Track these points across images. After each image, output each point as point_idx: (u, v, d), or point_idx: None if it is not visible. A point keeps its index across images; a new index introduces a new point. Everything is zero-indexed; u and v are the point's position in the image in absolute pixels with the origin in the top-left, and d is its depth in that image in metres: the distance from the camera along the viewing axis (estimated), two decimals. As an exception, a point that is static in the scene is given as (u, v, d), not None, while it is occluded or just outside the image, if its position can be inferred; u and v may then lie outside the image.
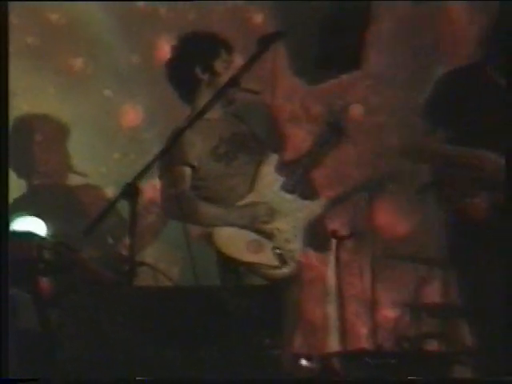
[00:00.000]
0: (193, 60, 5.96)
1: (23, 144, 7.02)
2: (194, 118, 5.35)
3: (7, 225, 4.25)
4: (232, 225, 5.73)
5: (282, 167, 6.04)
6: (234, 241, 5.72)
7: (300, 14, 7.56)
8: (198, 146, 5.79)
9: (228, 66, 5.93)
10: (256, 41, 5.52)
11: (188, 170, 5.80)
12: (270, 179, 5.92)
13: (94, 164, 7.43)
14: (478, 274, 5.71)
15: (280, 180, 5.92)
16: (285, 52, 7.17)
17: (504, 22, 5.91)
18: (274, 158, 5.99)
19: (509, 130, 5.64)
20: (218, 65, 5.94)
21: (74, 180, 7.01)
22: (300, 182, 6.01)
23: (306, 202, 5.97)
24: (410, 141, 6.04)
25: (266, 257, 5.67)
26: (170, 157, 5.43)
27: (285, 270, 5.64)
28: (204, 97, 5.77)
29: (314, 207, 6.01)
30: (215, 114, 5.90)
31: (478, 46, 6.04)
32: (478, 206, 5.70)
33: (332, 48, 7.12)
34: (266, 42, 5.41)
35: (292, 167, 6.04)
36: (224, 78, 5.74)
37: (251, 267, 5.64)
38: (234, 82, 5.57)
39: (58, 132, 7.21)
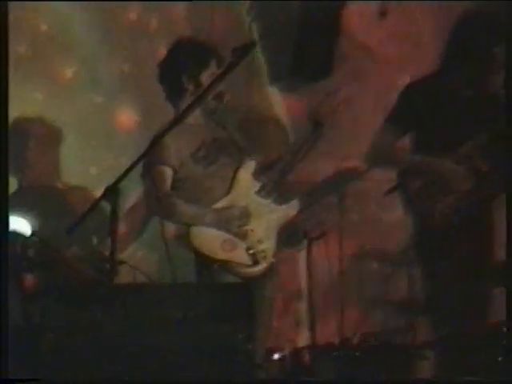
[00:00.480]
0: (181, 68, 5.91)
1: (17, 145, 6.83)
2: (173, 124, 5.23)
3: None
4: (208, 225, 5.67)
5: (259, 173, 6.00)
6: (210, 240, 5.67)
7: (275, 21, 7.52)
8: (179, 148, 5.73)
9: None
10: (231, 50, 5.56)
11: (169, 171, 5.72)
12: (247, 184, 5.89)
13: (85, 166, 7.32)
14: (441, 272, 5.73)
15: (256, 185, 5.91)
16: (261, 60, 7.04)
17: (465, 32, 5.90)
18: (251, 164, 5.94)
19: (470, 138, 5.81)
20: (205, 76, 5.86)
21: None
22: (275, 188, 6.01)
23: (280, 207, 5.96)
24: (377, 147, 5.98)
25: (239, 256, 5.64)
26: (152, 157, 5.43)
27: (256, 269, 5.63)
28: (187, 104, 5.61)
29: (287, 211, 5.97)
30: (198, 119, 5.89)
31: (441, 57, 6.00)
32: (441, 209, 5.70)
33: (304, 56, 6.99)
34: (241, 52, 5.27)
35: (268, 173, 6.03)
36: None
37: (225, 265, 5.61)
38: (217, 95, 5.82)
39: (52, 136, 7.18)
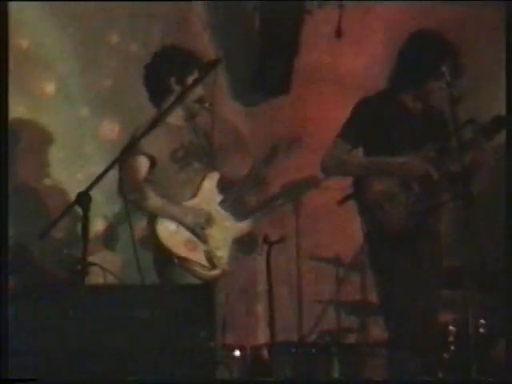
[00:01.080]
0: (170, 70, 5.88)
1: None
2: (153, 122, 5.28)
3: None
4: (174, 218, 5.71)
5: (222, 186, 5.99)
6: (174, 236, 5.67)
7: (236, 38, 7.48)
8: (160, 144, 5.73)
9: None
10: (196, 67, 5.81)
11: (146, 162, 5.74)
12: (210, 193, 5.89)
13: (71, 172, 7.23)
14: (393, 276, 5.66)
15: (218, 197, 5.92)
16: (224, 77, 7.03)
17: (413, 51, 5.87)
18: (215, 176, 5.94)
19: (419, 149, 5.81)
20: (190, 80, 5.82)
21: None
22: (234, 204, 6.03)
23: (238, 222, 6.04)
24: (331, 157, 5.85)
25: (198, 257, 5.66)
26: (133, 148, 5.38)
27: (213, 273, 5.67)
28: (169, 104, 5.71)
29: (244, 225, 6.03)
30: (179, 121, 5.91)
31: (392, 74, 5.99)
32: (393, 215, 5.64)
33: (264, 72, 7.01)
34: (206, 68, 5.42)
35: (229, 190, 6.03)
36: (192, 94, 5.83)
37: (185, 263, 5.61)
38: (199, 99, 5.87)
39: (42, 139, 7.12)
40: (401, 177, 5.74)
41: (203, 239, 5.74)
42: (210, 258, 5.70)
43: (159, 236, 5.67)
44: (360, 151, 5.96)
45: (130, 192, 5.69)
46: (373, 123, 5.84)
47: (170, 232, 5.72)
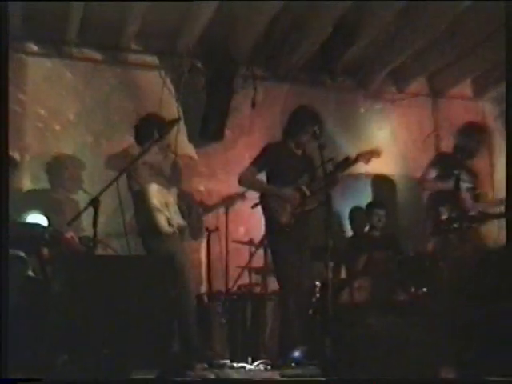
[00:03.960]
0: (154, 127, 5.66)
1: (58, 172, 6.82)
2: (139, 156, 5.34)
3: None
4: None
5: (182, 200, 5.93)
6: (157, 195, 5.50)
7: (191, 104, 7.34)
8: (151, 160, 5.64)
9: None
10: (158, 125, 5.67)
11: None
12: (173, 202, 5.73)
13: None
14: (282, 252, 5.78)
15: (177, 209, 5.77)
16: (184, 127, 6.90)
17: (297, 116, 6.04)
18: (174, 190, 5.82)
19: (300, 177, 5.95)
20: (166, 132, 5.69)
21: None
22: (191, 223, 5.99)
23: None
24: (244, 175, 5.95)
25: (168, 217, 5.55)
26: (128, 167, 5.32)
27: (171, 230, 5.53)
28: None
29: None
30: (157, 154, 5.76)
31: (284, 131, 6.12)
32: (282, 215, 5.76)
33: (206, 128, 7.00)
34: (168, 125, 5.58)
35: (188, 209, 5.99)
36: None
37: (158, 212, 5.49)
38: (168, 144, 5.78)
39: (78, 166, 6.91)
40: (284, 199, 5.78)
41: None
42: (169, 220, 5.53)
43: (147, 195, 5.49)
44: (264, 176, 6.03)
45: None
46: (272, 159, 5.94)
47: (154, 192, 5.52)
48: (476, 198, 6.40)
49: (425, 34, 7.30)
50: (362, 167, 6.18)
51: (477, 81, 8.58)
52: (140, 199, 5.60)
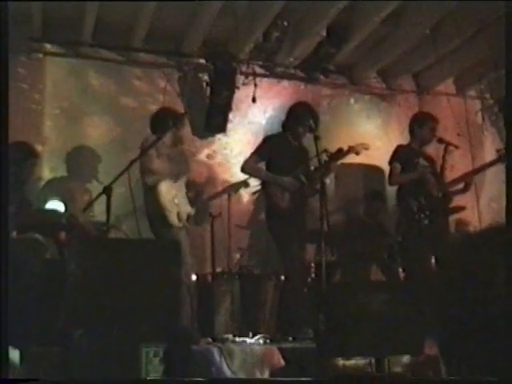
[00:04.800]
0: (170, 120, 5.54)
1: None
2: (152, 144, 5.22)
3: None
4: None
5: (189, 188, 5.91)
6: (167, 194, 5.47)
7: (195, 101, 7.36)
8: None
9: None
10: (173, 117, 5.60)
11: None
12: (182, 192, 5.72)
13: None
14: (281, 233, 5.81)
15: (185, 197, 5.76)
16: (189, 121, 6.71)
17: (294, 111, 6.09)
18: (183, 179, 5.78)
19: (297, 167, 5.95)
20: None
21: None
22: (198, 210, 5.95)
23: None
24: (246, 163, 6.04)
25: (178, 211, 5.53)
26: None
27: (180, 225, 5.52)
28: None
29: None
30: (168, 145, 5.69)
31: (283, 124, 6.17)
32: (282, 201, 5.80)
33: (210, 120, 6.95)
34: (177, 119, 5.57)
35: (195, 197, 6.00)
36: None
37: (167, 212, 5.45)
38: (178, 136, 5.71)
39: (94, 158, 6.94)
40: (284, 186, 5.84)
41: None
42: (179, 216, 5.51)
43: (158, 193, 5.44)
44: (263, 165, 6.08)
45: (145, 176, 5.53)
46: (271, 149, 5.99)
47: (164, 190, 5.45)
48: (438, 181, 6.38)
49: (411, 35, 7.38)
50: (356, 158, 6.17)
51: (459, 79, 8.60)
52: (151, 196, 5.54)
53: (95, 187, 6.15)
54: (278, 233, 5.90)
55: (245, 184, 6.73)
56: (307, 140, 6.01)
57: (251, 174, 6.27)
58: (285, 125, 6.18)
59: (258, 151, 6.07)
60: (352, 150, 5.97)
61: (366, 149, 6.04)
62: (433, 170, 6.34)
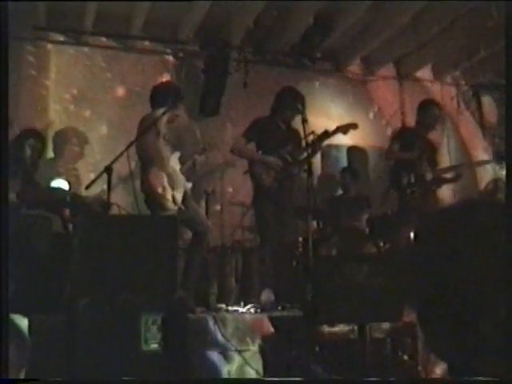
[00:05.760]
0: (171, 93, 5.54)
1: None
2: (152, 122, 5.20)
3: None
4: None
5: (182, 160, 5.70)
6: (156, 180, 5.32)
7: (191, 86, 7.33)
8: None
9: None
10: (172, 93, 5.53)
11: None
12: (175, 164, 5.51)
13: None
14: (265, 211, 5.79)
15: (178, 166, 5.55)
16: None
17: (282, 95, 6.04)
18: (178, 154, 5.58)
19: (284, 146, 5.89)
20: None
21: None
22: (189, 172, 5.81)
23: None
24: (236, 148, 6.02)
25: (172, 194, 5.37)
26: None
27: (175, 207, 5.36)
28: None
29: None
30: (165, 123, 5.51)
31: (272, 108, 6.09)
32: (267, 180, 5.78)
33: (204, 104, 6.89)
34: (173, 102, 5.44)
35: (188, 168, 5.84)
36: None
37: (162, 198, 5.31)
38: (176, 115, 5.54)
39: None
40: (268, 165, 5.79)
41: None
42: (174, 199, 5.35)
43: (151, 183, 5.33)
44: (253, 146, 6.02)
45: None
46: (260, 131, 5.93)
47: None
48: (433, 165, 6.42)
49: (392, 25, 7.40)
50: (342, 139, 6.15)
51: (436, 66, 8.58)
52: (145, 184, 5.44)
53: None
54: (261, 210, 5.87)
55: (231, 164, 6.72)
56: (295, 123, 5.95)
57: (240, 155, 6.17)
58: (273, 108, 6.09)
59: (247, 133, 5.99)
60: (340, 129, 5.90)
61: (355, 128, 5.96)
62: (430, 155, 6.34)
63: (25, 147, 5.55)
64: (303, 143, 5.61)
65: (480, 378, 1.08)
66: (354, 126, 5.96)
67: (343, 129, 5.90)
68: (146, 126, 5.22)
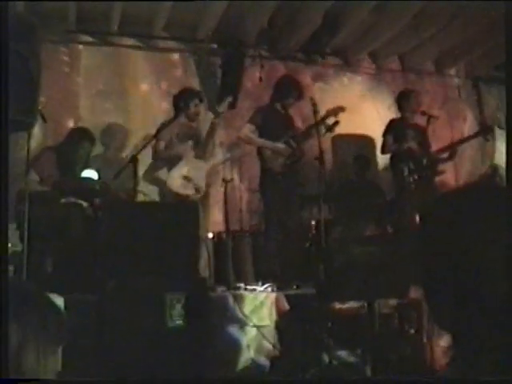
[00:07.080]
0: (190, 98, 5.77)
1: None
2: (168, 123, 5.38)
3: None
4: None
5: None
6: (177, 181, 5.52)
7: (210, 82, 7.27)
8: (171, 132, 5.62)
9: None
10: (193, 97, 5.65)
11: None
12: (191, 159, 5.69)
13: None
14: (273, 195, 5.77)
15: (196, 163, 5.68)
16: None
17: (281, 83, 6.03)
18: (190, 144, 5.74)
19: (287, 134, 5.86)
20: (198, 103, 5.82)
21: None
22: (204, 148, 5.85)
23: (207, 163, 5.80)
24: (243, 132, 5.99)
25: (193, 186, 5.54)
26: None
27: (198, 195, 5.56)
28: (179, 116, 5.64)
29: (211, 164, 5.89)
30: (185, 121, 5.79)
31: (272, 95, 6.09)
32: (276, 165, 5.76)
33: (222, 98, 6.54)
34: (191, 97, 5.62)
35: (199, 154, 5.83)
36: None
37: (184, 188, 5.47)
38: (196, 111, 5.79)
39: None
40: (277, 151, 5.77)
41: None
42: (196, 189, 5.50)
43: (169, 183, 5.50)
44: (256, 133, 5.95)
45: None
46: (263, 118, 5.88)
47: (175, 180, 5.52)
48: (426, 148, 6.33)
49: (396, 22, 7.30)
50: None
51: (438, 60, 8.50)
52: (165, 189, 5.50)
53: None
54: (269, 195, 5.81)
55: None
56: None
57: (249, 142, 6.09)
58: (272, 96, 6.07)
59: (252, 120, 5.95)
60: (329, 112, 5.76)
61: (343, 111, 5.79)
62: (421, 140, 6.28)
63: (78, 150, 5.66)
64: (314, 131, 5.48)
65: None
66: (341, 109, 5.82)
67: (333, 111, 5.79)
68: (161, 127, 5.39)
